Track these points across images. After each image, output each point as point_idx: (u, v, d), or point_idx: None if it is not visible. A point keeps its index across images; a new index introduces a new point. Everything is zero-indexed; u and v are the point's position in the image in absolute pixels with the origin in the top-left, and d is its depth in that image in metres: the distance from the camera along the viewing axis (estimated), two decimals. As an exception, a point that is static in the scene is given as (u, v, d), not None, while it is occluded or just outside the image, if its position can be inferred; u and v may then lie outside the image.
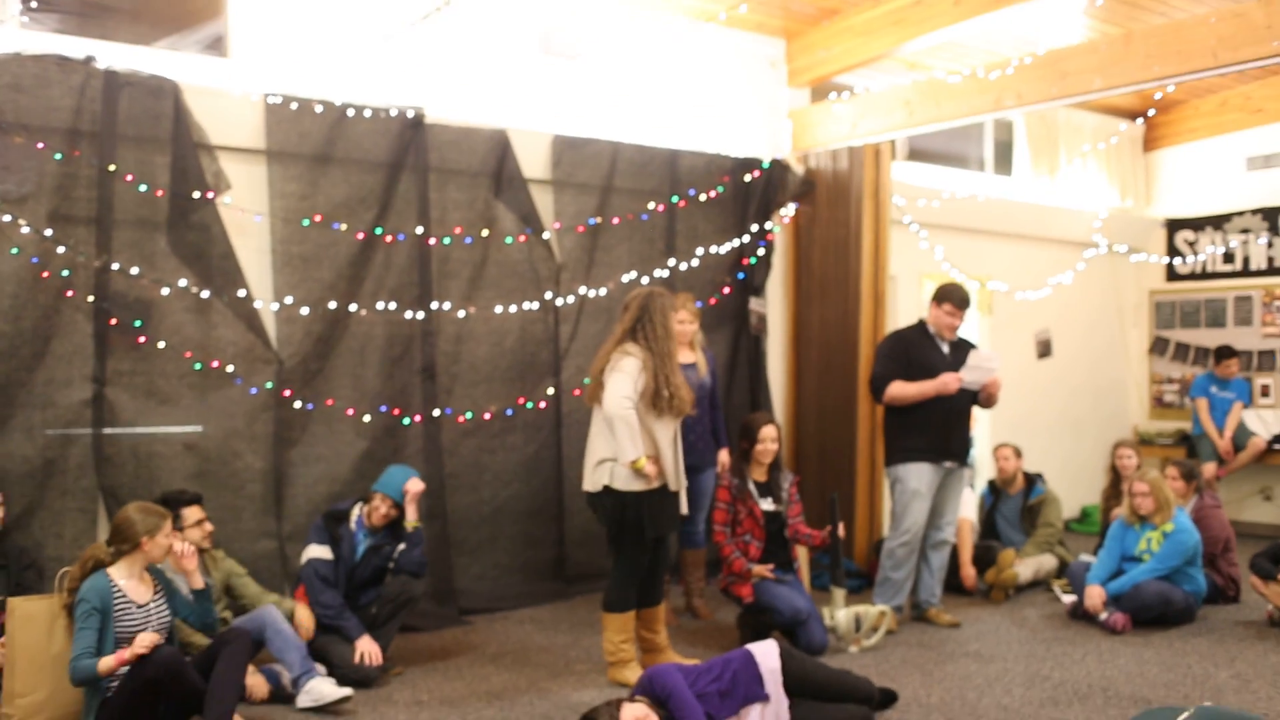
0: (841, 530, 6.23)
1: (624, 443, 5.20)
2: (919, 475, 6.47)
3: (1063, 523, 8.18)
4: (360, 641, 5.43)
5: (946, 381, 6.39)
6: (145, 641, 4.41)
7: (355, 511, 5.73)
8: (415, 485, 5.72)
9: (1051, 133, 10.48)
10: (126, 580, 4.61)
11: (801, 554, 6.51)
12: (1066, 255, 10.45)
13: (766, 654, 4.63)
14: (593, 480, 5.41)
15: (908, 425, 6.53)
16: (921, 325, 6.72)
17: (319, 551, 5.58)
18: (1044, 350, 10.38)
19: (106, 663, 4.42)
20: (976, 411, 6.88)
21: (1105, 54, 6.88)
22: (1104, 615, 6.55)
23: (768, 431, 6.28)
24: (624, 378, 5.26)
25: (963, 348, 6.63)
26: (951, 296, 6.56)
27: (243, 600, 5.60)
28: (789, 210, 8.55)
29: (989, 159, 10.40)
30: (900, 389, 6.50)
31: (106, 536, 4.73)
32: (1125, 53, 6.77)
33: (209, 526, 5.52)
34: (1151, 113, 10.57)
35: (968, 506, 7.58)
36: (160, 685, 4.42)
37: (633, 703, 4.28)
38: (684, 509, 5.58)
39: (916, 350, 6.58)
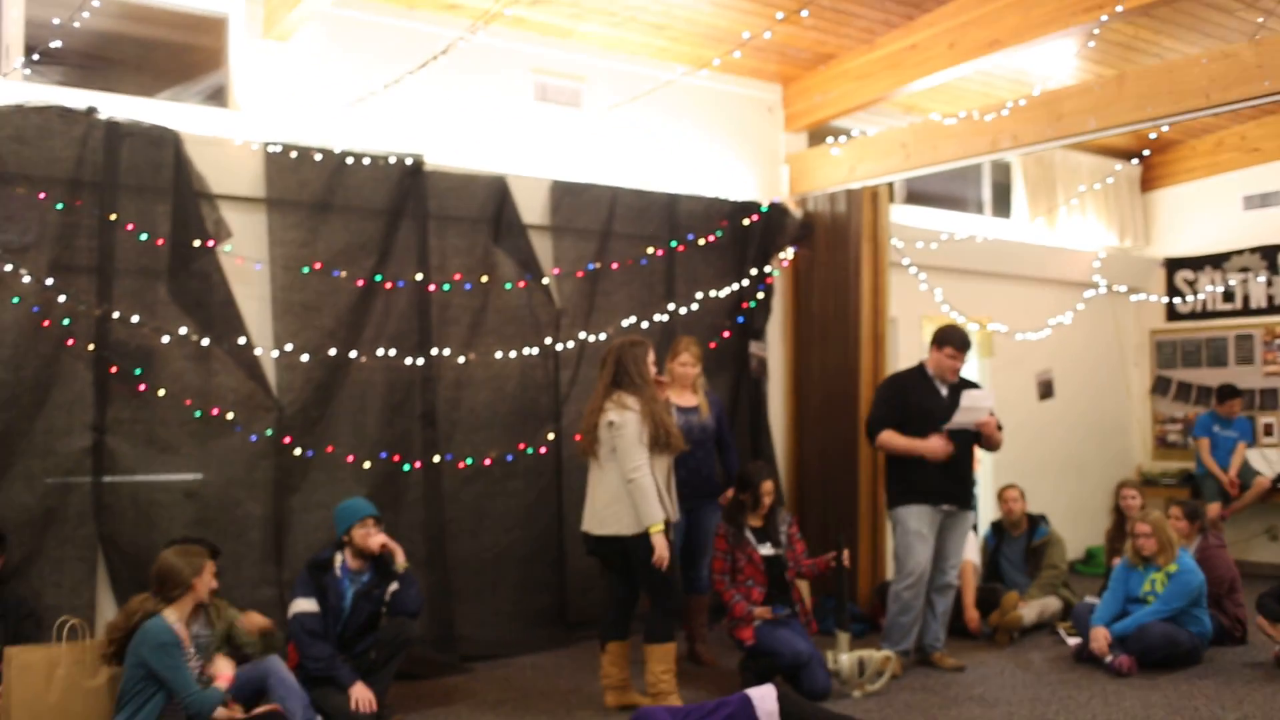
0: (846, 558, 6.20)
1: (649, 509, 5.46)
2: (919, 517, 6.44)
3: (1067, 564, 8.15)
4: (354, 689, 5.39)
5: (935, 447, 6.39)
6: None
7: (337, 559, 5.68)
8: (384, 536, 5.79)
9: (1049, 174, 10.53)
10: (177, 624, 4.70)
11: (804, 595, 6.47)
12: (1066, 296, 10.47)
13: (764, 698, 4.62)
14: (623, 524, 5.57)
15: (906, 468, 6.51)
16: (921, 369, 6.72)
17: (305, 605, 5.54)
18: (1045, 391, 10.37)
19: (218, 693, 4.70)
20: (980, 454, 6.86)
21: (1099, 95, 6.93)
22: (1109, 658, 6.50)
23: (768, 487, 6.28)
24: (632, 443, 5.51)
25: (963, 389, 6.62)
26: (952, 339, 6.56)
27: (245, 650, 5.55)
28: (788, 254, 8.59)
29: (987, 201, 10.44)
30: (890, 439, 6.51)
31: (151, 587, 4.79)
32: (1119, 94, 6.82)
33: (215, 584, 5.44)
34: (1147, 153, 10.63)
35: (971, 549, 7.54)
36: None
37: None
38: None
39: (915, 394, 6.58)
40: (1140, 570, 6.84)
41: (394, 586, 5.70)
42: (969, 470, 6.69)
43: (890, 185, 8.46)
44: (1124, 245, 11.10)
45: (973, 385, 6.73)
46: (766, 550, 6.22)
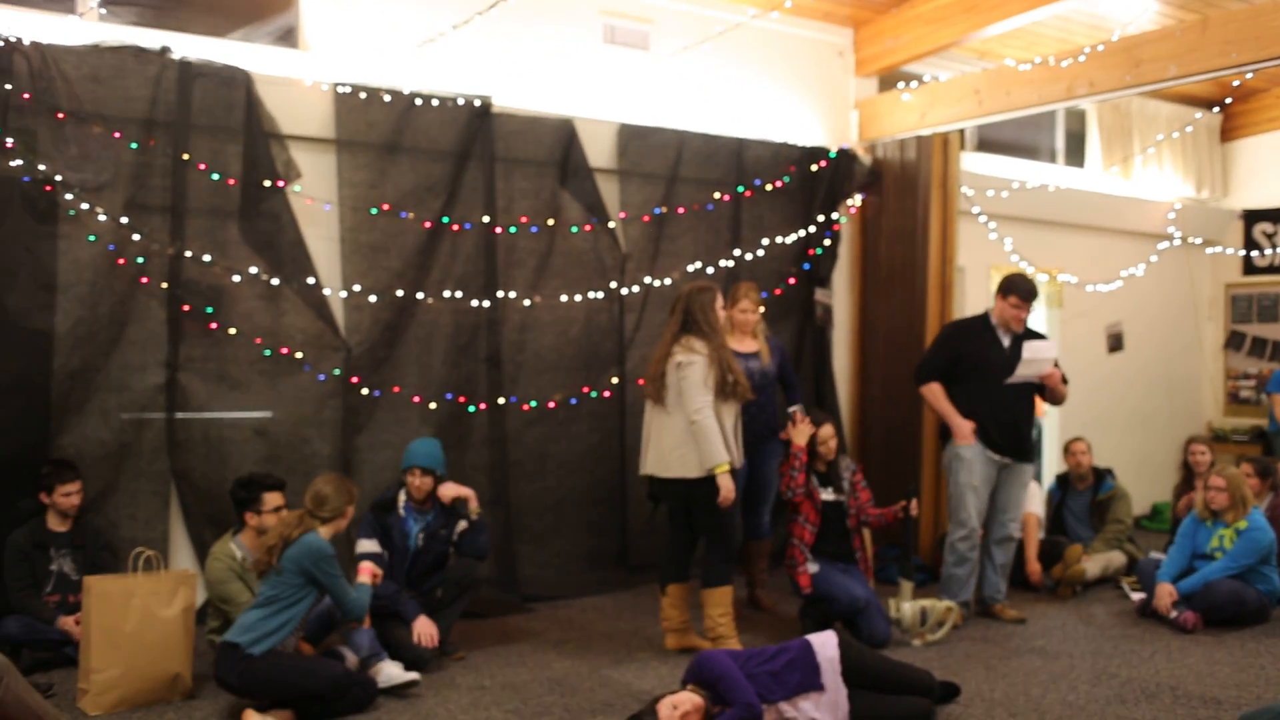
0: (914, 507, 6.18)
1: (713, 450, 5.47)
2: (969, 468, 6.39)
3: (1133, 519, 8.06)
4: (417, 623, 5.47)
5: (964, 435, 6.37)
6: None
7: (401, 497, 5.76)
8: (451, 489, 5.82)
9: (1125, 122, 10.30)
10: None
11: (866, 543, 6.46)
12: (1139, 247, 10.27)
13: (825, 644, 4.63)
14: (688, 467, 5.58)
15: (965, 412, 6.43)
16: (985, 317, 6.61)
17: (368, 546, 5.62)
18: (1115, 344, 10.22)
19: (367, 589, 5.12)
20: (1045, 406, 6.76)
21: (1181, 41, 6.75)
22: (1174, 614, 6.43)
23: (826, 432, 6.25)
24: (696, 384, 5.52)
25: (1029, 340, 6.51)
26: (1018, 289, 6.43)
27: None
28: (856, 201, 8.50)
29: (1060, 149, 10.26)
30: (934, 396, 6.49)
31: (308, 507, 4.99)
32: (1202, 39, 6.64)
33: (285, 514, 5.54)
34: (1229, 101, 10.35)
35: (1035, 501, 7.49)
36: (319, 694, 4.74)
37: (675, 693, 4.32)
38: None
39: (973, 343, 6.48)
40: (1209, 525, 6.75)
41: (462, 525, 5.78)
42: (1028, 423, 6.59)
43: (961, 132, 8.32)
44: (1201, 196, 10.86)
45: (1038, 336, 6.62)
46: (828, 495, 6.21)
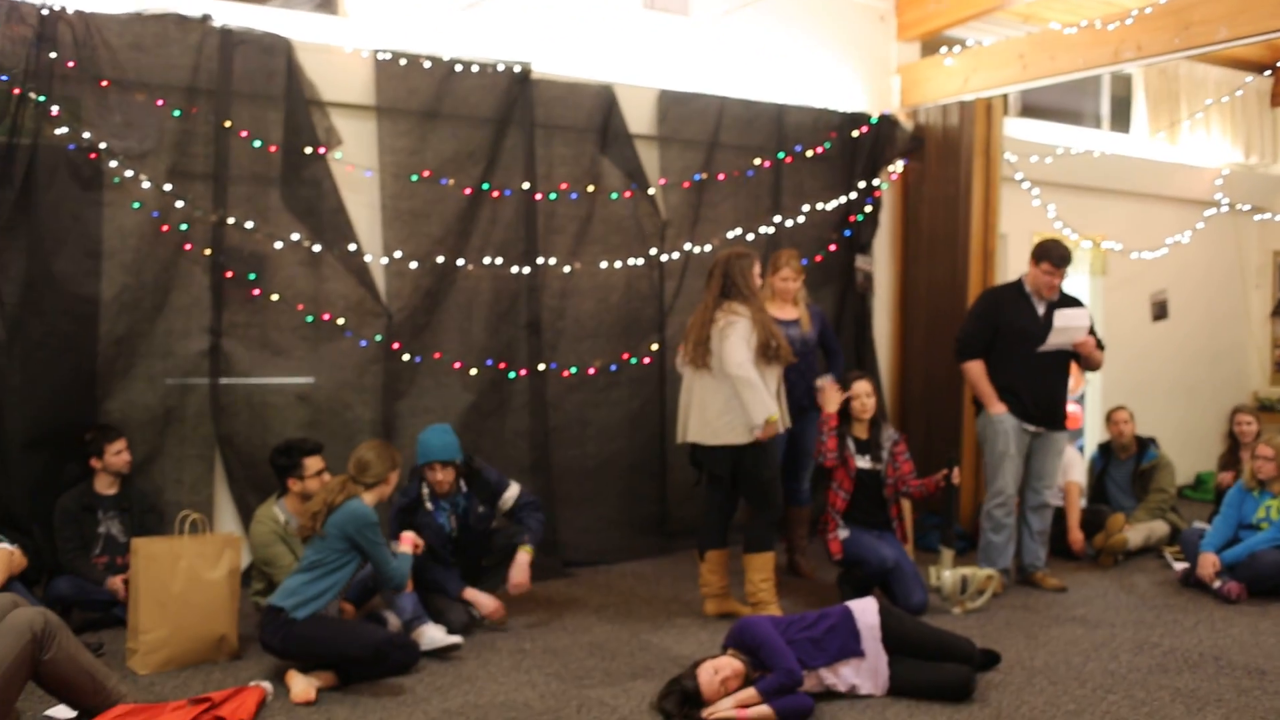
0: (956, 475, 6.14)
1: (759, 402, 5.48)
2: (1004, 437, 6.35)
3: (1176, 489, 7.98)
4: (481, 603, 5.59)
5: (999, 411, 6.35)
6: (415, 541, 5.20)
7: (424, 491, 5.67)
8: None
9: (1172, 87, 10.14)
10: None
11: (906, 511, 6.43)
12: (1185, 214, 10.13)
13: (865, 611, 4.64)
14: (736, 433, 5.60)
15: (996, 381, 6.40)
16: (1019, 284, 6.54)
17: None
18: (1160, 312, 10.10)
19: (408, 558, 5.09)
20: (1089, 376, 6.70)
21: (1232, 2, 6.60)
22: (1217, 584, 6.37)
23: (861, 386, 6.18)
24: (738, 342, 5.51)
25: (1062, 305, 6.43)
26: (1050, 255, 6.34)
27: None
28: (897, 167, 8.43)
29: (1105, 114, 10.11)
30: (975, 375, 6.44)
31: (351, 473, 4.99)
32: (1253, 0, 6.50)
33: (327, 477, 5.58)
34: (1280, 65, 10.15)
35: (1077, 470, 7.44)
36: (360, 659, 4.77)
37: (716, 658, 4.34)
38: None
39: (1008, 311, 6.41)
40: (1255, 496, 6.67)
41: (512, 493, 5.78)
42: (1062, 392, 6.53)
43: (1005, 97, 8.22)
44: (1249, 162, 10.68)
45: (1074, 302, 6.54)
46: (864, 463, 6.18)
